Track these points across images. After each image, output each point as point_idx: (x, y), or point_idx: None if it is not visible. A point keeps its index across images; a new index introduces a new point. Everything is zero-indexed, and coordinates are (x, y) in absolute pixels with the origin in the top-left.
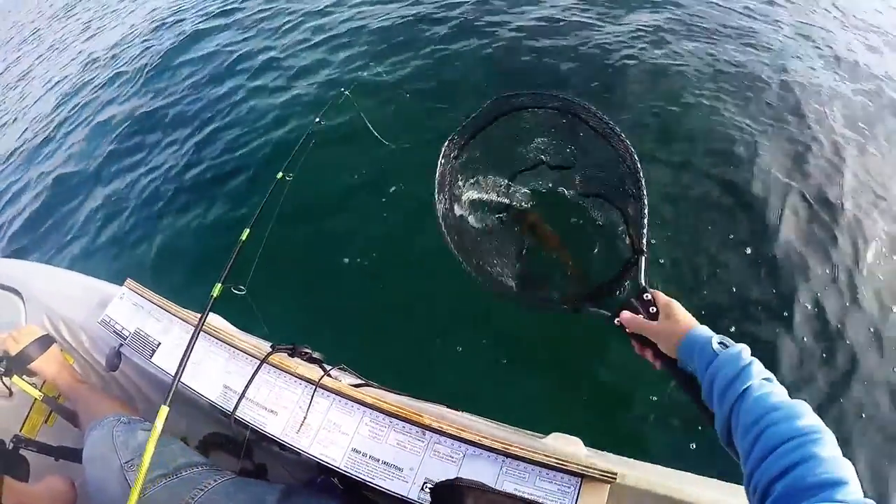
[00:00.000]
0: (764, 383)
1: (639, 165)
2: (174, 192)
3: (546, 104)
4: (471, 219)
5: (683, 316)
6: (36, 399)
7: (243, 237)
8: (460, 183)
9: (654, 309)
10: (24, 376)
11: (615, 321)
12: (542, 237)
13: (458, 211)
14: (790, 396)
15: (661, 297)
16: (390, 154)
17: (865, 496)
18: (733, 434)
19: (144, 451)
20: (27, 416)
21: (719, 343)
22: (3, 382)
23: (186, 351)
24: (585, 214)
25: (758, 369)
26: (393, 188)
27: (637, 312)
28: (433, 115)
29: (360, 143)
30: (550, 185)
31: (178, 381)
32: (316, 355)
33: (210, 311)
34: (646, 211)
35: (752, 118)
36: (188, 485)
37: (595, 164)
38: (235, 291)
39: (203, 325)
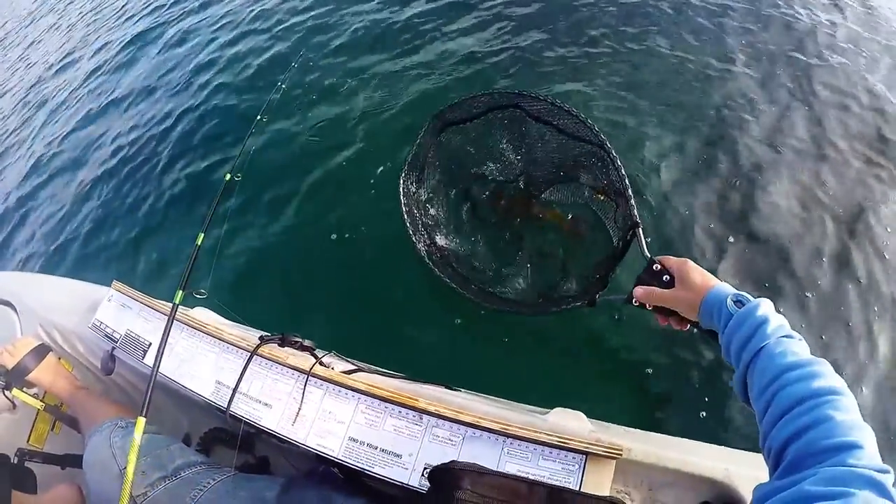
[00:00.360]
0: (781, 341)
1: (602, 137)
2: (131, 201)
3: (485, 107)
4: (456, 240)
5: (699, 276)
6: (38, 409)
7: (199, 241)
8: (432, 212)
9: (668, 277)
10: (23, 388)
11: (633, 301)
12: (540, 214)
13: (440, 241)
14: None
15: (671, 260)
16: (345, 134)
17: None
18: (749, 394)
19: (128, 462)
20: (32, 427)
21: (735, 301)
22: (5, 396)
23: (158, 353)
24: (566, 202)
25: (774, 326)
26: (352, 167)
27: (651, 285)
28: (381, 98)
29: (310, 129)
30: (521, 185)
31: (152, 387)
32: (306, 343)
33: (182, 310)
34: (626, 182)
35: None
36: (188, 485)
37: (551, 150)
38: (197, 296)
39: (167, 336)
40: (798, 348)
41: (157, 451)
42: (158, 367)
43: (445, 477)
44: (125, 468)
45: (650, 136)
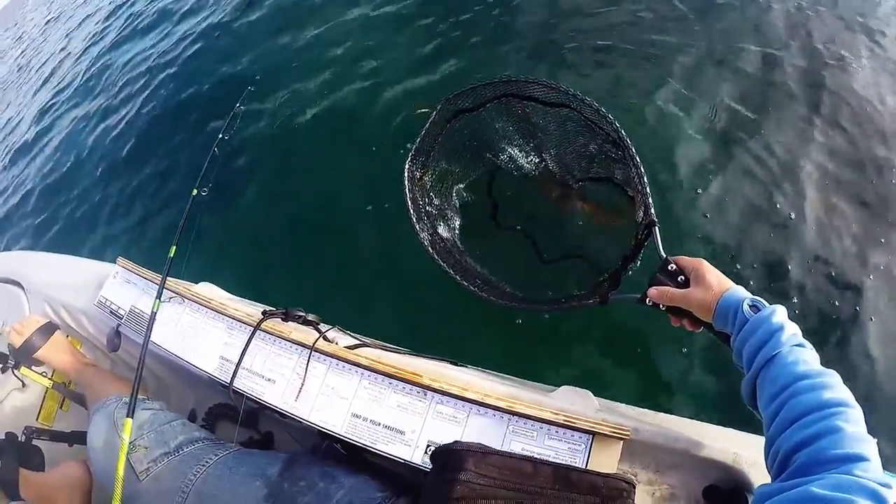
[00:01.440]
0: (794, 350)
1: (617, 126)
2: (102, 216)
3: (493, 95)
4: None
5: (715, 278)
6: (47, 387)
7: (171, 254)
8: (436, 202)
9: (683, 277)
10: (32, 366)
11: (647, 302)
12: (580, 205)
13: (443, 232)
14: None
15: (686, 261)
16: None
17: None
18: (758, 399)
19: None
20: (42, 405)
21: (751, 306)
22: (14, 374)
23: (148, 328)
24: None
25: (789, 335)
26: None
27: (665, 285)
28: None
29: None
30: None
31: (143, 360)
32: (310, 317)
33: (186, 285)
34: (645, 179)
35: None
36: (190, 461)
37: (564, 142)
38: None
39: (161, 293)
40: (810, 358)
41: (160, 427)
42: (149, 338)
43: (449, 458)
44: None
45: (674, 129)
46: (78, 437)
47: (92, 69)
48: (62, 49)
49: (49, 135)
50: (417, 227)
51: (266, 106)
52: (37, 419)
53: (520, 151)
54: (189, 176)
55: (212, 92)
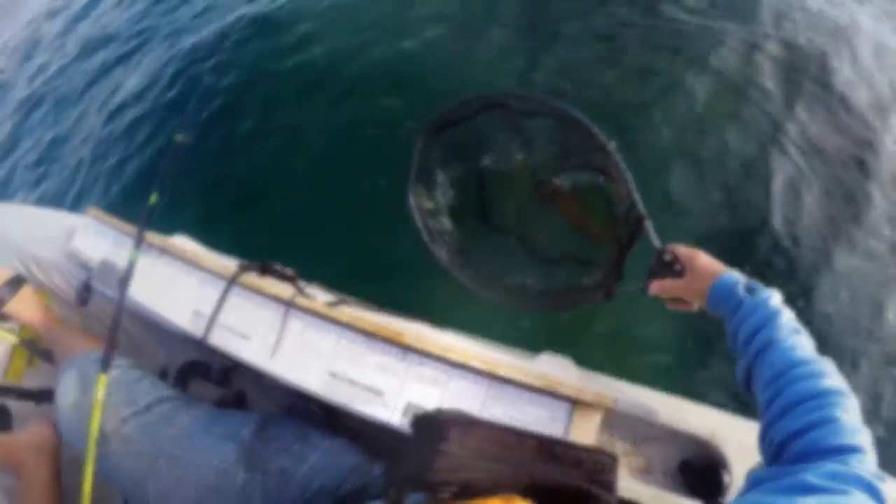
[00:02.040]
0: (791, 335)
1: (593, 129)
2: (79, 166)
3: (476, 109)
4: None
5: (707, 263)
6: (14, 343)
7: (152, 201)
8: (445, 222)
9: (679, 266)
10: None
11: (649, 293)
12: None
13: (459, 244)
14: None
15: (682, 250)
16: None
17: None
18: (753, 385)
19: (109, 393)
20: (9, 363)
21: (746, 289)
22: None
23: (124, 280)
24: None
25: (785, 320)
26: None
27: (665, 276)
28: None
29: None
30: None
31: (120, 318)
32: (288, 271)
33: (161, 237)
34: (627, 176)
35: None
36: (161, 421)
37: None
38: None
39: (141, 241)
40: (806, 343)
41: (129, 386)
42: (126, 290)
43: (431, 427)
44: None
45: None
46: (46, 396)
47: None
48: None
49: (28, 84)
50: (433, 248)
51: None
52: (3, 377)
53: (505, 149)
54: (169, 125)
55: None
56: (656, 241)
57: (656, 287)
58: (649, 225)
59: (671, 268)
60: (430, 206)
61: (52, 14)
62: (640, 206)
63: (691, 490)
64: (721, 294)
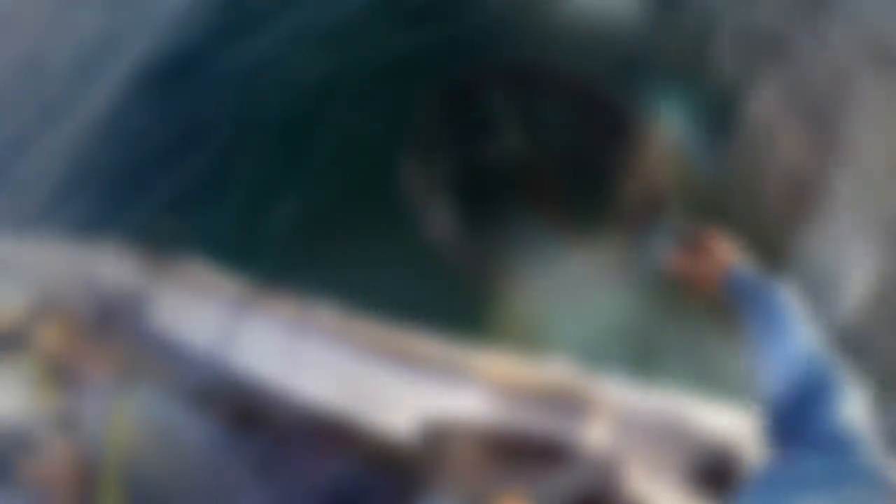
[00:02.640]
0: (802, 325)
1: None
2: None
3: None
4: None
5: (720, 251)
6: (37, 369)
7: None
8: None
9: (692, 249)
10: None
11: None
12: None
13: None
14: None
15: (695, 233)
16: None
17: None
18: (762, 371)
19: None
20: (33, 388)
21: (759, 280)
22: None
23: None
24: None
25: (796, 310)
26: None
27: (677, 260)
28: None
29: None
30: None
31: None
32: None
33: None
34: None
35: None
36: (179, 443)
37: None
38: None
39: None
40: (814, 335)
41: (149, 410)
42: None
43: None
44: None
45: None
46: (71, 421)
47: None
48: None
49: None
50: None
51: None
52: (28, 402)
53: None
54: None
55: None
56: (668, 226)
57: (669, 269)
58: (663, 211)
59: (685, 251)
60: (429, 177)
61: None
62: (654, 194)
63: (705, 492)
64: (734, 282)
